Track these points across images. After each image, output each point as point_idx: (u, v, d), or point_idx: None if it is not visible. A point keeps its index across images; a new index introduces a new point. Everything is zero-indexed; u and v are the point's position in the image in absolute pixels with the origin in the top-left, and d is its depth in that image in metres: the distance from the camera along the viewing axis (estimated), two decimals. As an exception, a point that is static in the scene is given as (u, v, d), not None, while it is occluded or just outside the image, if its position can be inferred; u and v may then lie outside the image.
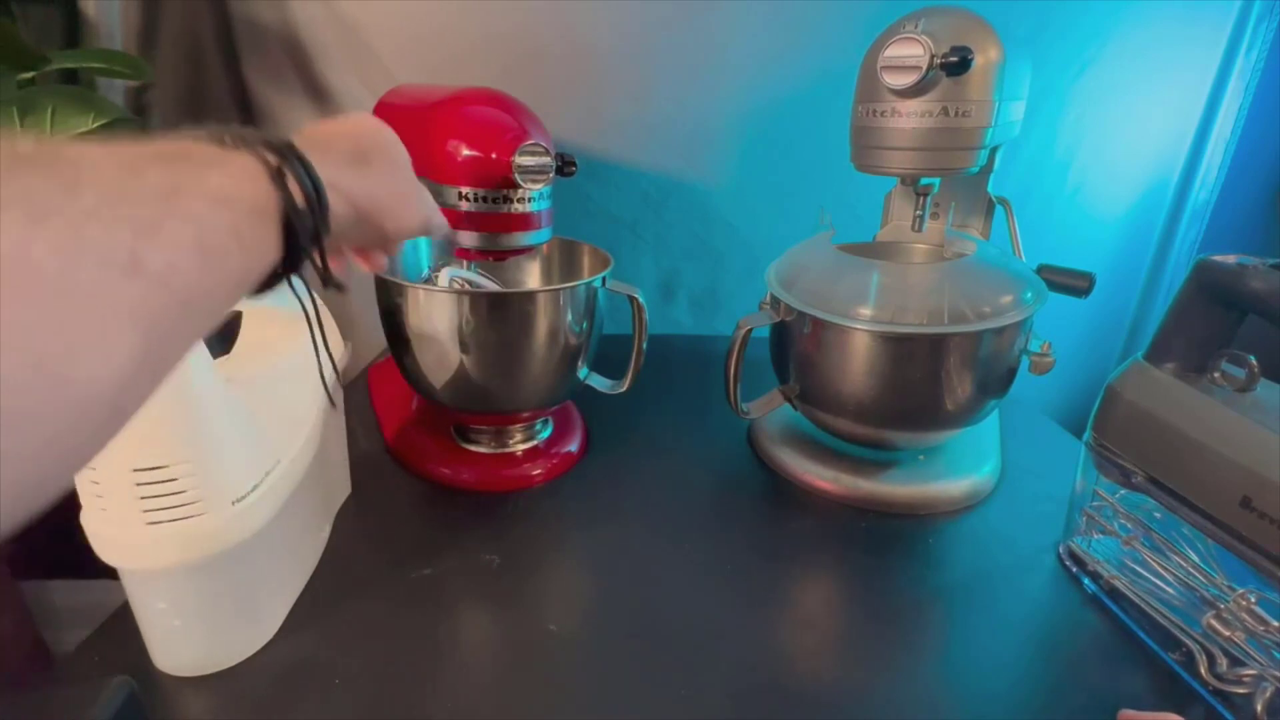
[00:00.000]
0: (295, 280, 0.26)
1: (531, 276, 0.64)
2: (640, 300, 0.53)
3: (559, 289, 0.51)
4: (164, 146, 0.20)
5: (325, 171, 0.25)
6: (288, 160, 0.23)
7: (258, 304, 0.26)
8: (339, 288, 0.30)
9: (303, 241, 0.24)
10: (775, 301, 0.54)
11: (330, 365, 0.38)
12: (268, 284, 0.25)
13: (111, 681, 0.31)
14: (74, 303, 0.16)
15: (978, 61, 0.44)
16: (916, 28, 0.45)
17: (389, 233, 0.32)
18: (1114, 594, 0.44)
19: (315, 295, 0.34)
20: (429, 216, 0.35)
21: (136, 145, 0.19)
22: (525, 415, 0.56)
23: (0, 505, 0.15)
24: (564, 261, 0.63)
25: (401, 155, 0.33)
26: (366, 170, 0.29)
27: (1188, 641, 0.39)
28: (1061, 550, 0.48)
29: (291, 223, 0.23)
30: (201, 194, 0.20)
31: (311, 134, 0.28)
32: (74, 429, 0.16)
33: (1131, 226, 0.89)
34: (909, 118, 0.47)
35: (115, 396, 0.17)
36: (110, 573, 0.34)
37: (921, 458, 0.56)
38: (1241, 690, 0.36)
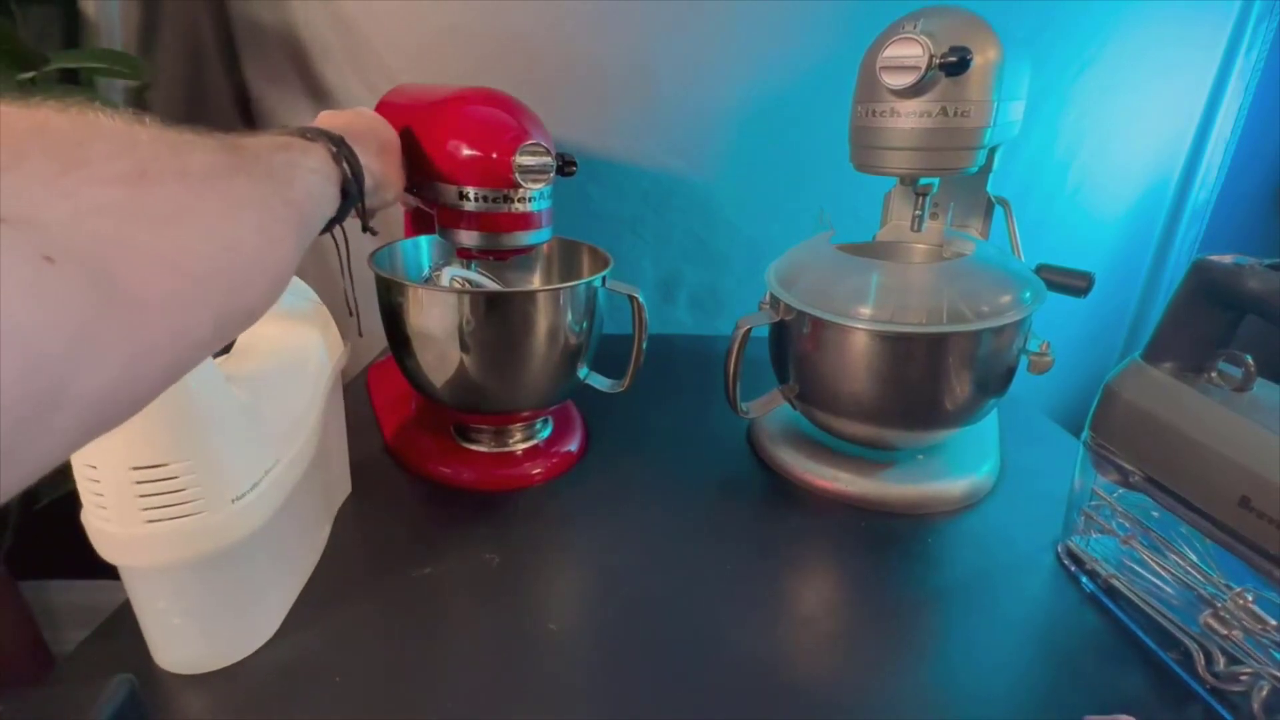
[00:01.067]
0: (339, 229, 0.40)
1: (532, 276, 0.64)
2: (640, 300, 0.53)
3: (559, 289, 0.51)
4: (280, 139, 0.32)
5: (362, 159, 0.38)
6: (343, 151, 0.37)
7: None
8: (373, 231, 0.44)
9: (352, 198, 0.37)
10: (775, 301, 0.54)
11: (352, 293, 0.49)
12: (328, 227, 0.37)
13: (112, 680, 0.32)
14: (268, 220, 0.26)
15: (977, 61, 0.44)
16: (916, 28, 0.45)
17: (387, 200, 0.45)
18: (1112, 593, 0.44)
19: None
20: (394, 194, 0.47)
21: (268, 137, 0.31)
22: (525, 415, 0.56)
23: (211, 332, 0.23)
24: (564, 261, 0.63)
25: (397, 145, 0.46)
26: (383, 158, 0.43)
27: (1185, 640, 0.39)
28: (1060, 549, 0.48)
29: (345, 188, 0.37)
30: (307, 167, 0.33)
31: (348, 128, 0.40)
32: (264, 297, 0.26)
33: (1131, 226, 0.89)
34: (908, 118, 0.47)
35: (286, 275, 0.27)
36: (110, 572, 0.34)
37: (920, 457, 0.56)
38: (1239, 689, 0.36)
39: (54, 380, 0.16)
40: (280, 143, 0.32)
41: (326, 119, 0.43)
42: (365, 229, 0.42)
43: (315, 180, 0.33)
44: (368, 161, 0.39)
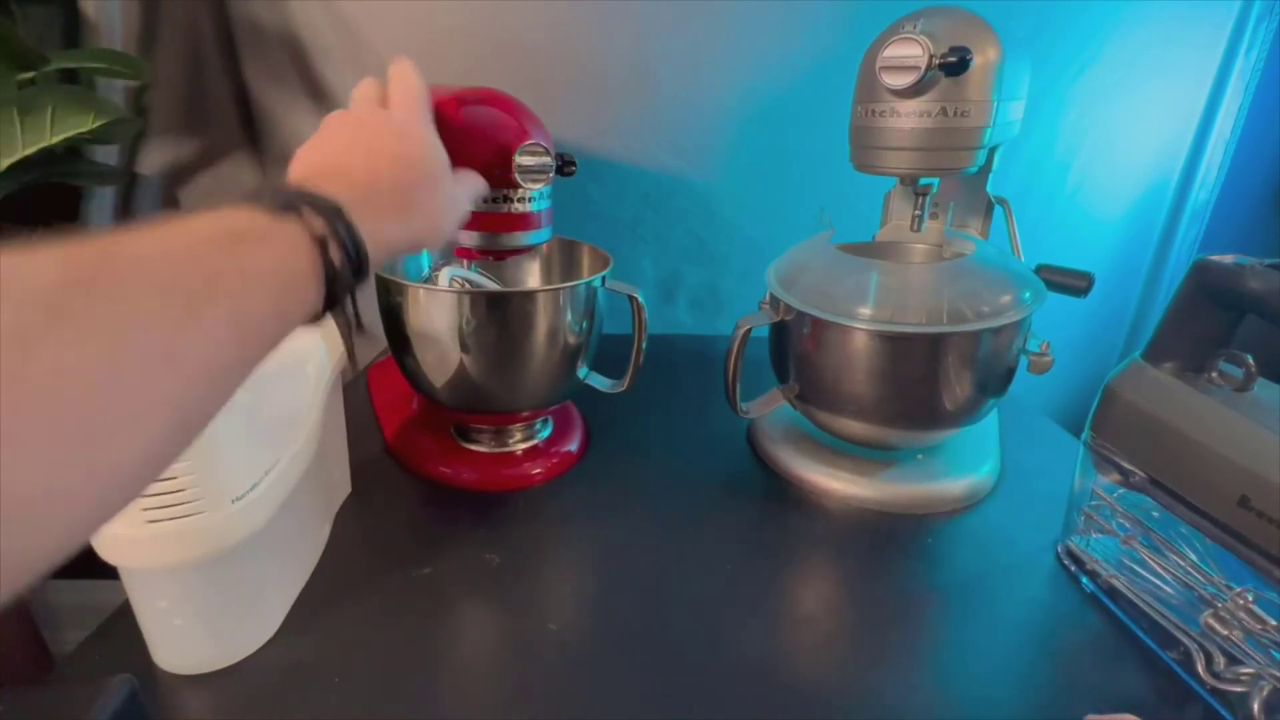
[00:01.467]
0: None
1: (531, 276, 0.64)
2: (640, 300, 0.53)
3: (559, 289, 0.51)
4: (217, 225, 0.22)
5: (370, 225, 0.27)
6: (334, 226, 0.25)
7: None
8: (363, 330, 0.31)
9: (339, 296, 0.26)
10: (775, 301, 0.54)
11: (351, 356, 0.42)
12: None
13: (112, 680, 0.32)
14: (108, 398, 0.17)
15: (977, 61, 0.44)
16: (915, 28, 0.45)
17: (432, 245, 0.34)
18: (1112, 593, 0.44)
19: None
20: (450, 234, 0.36)
21: (190, 227, 0.21)
22: (525, 415, 0.56)
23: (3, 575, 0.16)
24: (564, 261, 0.63)
25: (440, 174, 0.34)
26: (410, 214, 0.31)
27: (1186, 640, 0.39)
28: (1060, 549, 0.48)
29: (330, 279, 0.25)
30: (243, 274, 0.21)
31: (361, 175, 0.29)
32: (100, 502, 0.18)
33: (1131, 226, 0.89)
34: (908, 118, 0.47)
35: (141, 468, 0.19)
36: (111, 572, 0.34)
37: (920, 457, 0.56)
38: (1239, 689, 0.36)
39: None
40: (220, 231, 0.21)
41: (323, 155, 0.31)
42: (358, 327, 0.31)
43: (258, 293, 0.22)
44: (380, 229, 0.28)
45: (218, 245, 0.21)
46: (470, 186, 0.40)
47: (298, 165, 0.31)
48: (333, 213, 0.25)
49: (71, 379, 0.16)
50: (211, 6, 0.70)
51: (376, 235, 0.27)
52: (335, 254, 0.25)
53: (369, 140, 0.32)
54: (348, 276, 0.25)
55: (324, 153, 0.32)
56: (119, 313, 0.17)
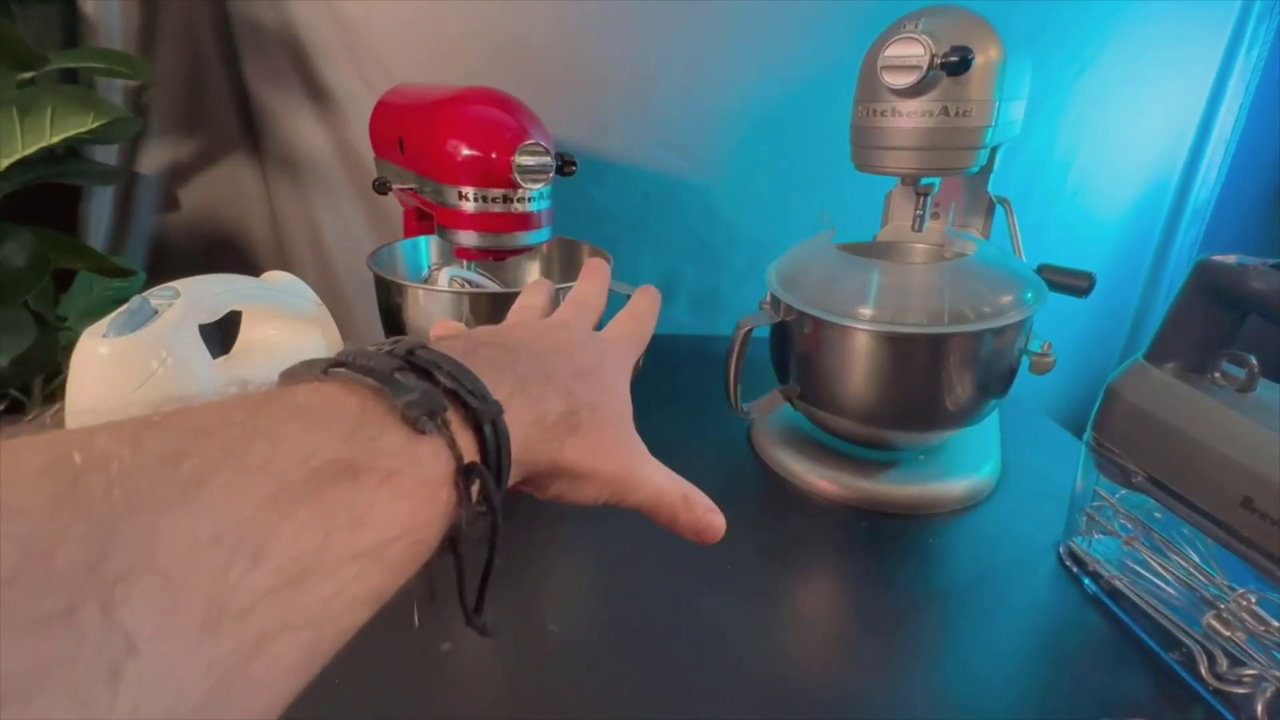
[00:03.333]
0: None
1: (531, 276, 0.64)
2: (640, 300, 0.53)
3: (559, 289, 0.51)
4: (329, 456, 0.14)
5: (533, 453, 0.21)
6: (476, 477, 0.17)
7: (255, 304, 0.26)
8: (484, 632, 0.21)
9: (464, 530, 0.17)
10: (775, 301, 0.54)
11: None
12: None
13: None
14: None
15: (978, 61, 0.44)
16: (917, 27, 0.45)
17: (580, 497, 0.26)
18: (1114, 594, 0.44)
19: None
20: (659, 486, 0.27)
21: (291, 459, 0.13)
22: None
23: None
24: (564, 261, 0.63)
25: (620, 415, 0.26)
26: (566, 438, 0.23)
27: (1188, 641, 0.39)
28: (1062, 550, 0.48)
29: (455, 536, 0.17)
30: (353, 552, 0.14)
31: (525, 372, 0.21)
32: None
33: (1132, 226, 0.89)
34: (909, 117, 0.47)
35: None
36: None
37: (921, 458, 0.56)
38: (1242, 690, 0.36)
39: None
40: (333, 467, 0.14)
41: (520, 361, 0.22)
42: (470, 621, 0.20)
43: (363, 580, 0.14)
44: (541, 457, 0.21)
45: (322, 494, 0.14)
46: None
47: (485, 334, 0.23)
48: (491, 420, 0.17)
49: None
50: (211, 6, 0.69)
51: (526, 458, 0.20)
52: (481, 484, 0.17)
53: (581, 353, 0.27)
54: (483, 517, 0.18)
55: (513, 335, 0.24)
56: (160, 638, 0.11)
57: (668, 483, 0.28)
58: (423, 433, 0.16)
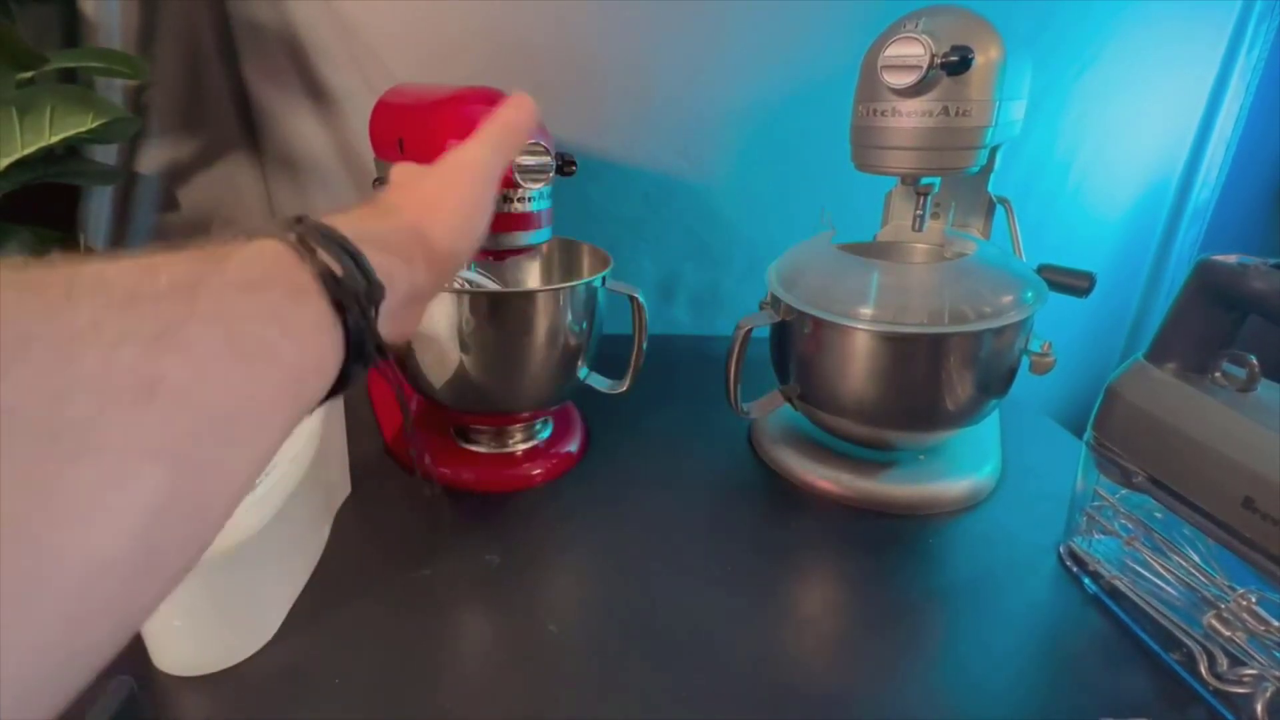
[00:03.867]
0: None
1: (531, 276, 0.64)
2: (640, 300, 0.53)
3: (559, 289, 0.51)
4: (181, 250, 0.17)
5: (401, 272, 0.23)
6: (307, 228, 0.20)
7: None
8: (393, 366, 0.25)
9: (355, 314, 0.20)
10: (775, 301, 0.54)
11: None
12: (341, 382, 0.21)
13: (111, 682, 0.31)
14: (64, 449, 0.13)
15: (978, 61, 0.44)
16: (917, 27, 0.45)
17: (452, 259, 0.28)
18: (1114, 594, 0.44)
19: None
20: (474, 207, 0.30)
21: (151, 254, 0.17)
22: (525, 415, 0.56)
23: (3, 701, 0.12)
24: (564, 261, 0.63)
25: (452, 238, 0.28)
26: (384, 215, 0.26)
27: (1188, 641, 0.39)
28: (1062, 550, 0.48)
29: (338, 298, 0.20)
30: (223, 283, 0.17)
31: (387, 230, 0.25)
32: (83, 601, 0.13)
33: (1132, 226, 0.89)
34: (909, 117, 0.47)
35: (135, 552, 0.14)
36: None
37: (921, 458, 0.56)
38: (1242, 690, 0.36)
39: None
40: (186, 253, 0.17)
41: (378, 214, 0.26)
42: (382, 354, 0.23)
43: (246, 305, 0.17)
44: (404, 271, 0.24)
45: (183, 260, 0.17)
46: (475, 149, 0.31)
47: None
48: (298, 219, 0.21)
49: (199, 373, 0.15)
50: (211, 6, 0.69)
51: (402, 278, 0.24)
52: (327, 257, 0.20)
53: (408, 190, 0.29)
54: (354, 278, 0.21)
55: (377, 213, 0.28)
56: (64, 325, 0.14)
57: (479, 152, 0.31)
58: (249, 236, 0.19)
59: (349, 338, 0.20)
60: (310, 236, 0.20)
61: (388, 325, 0.23)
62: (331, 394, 0.21)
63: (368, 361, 0.21)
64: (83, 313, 0.14)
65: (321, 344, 0.20)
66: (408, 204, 0.27)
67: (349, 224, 0.22)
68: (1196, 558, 0.39)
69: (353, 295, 0.20)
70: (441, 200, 0.28)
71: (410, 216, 0.27)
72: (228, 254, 0.18)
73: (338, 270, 0.20)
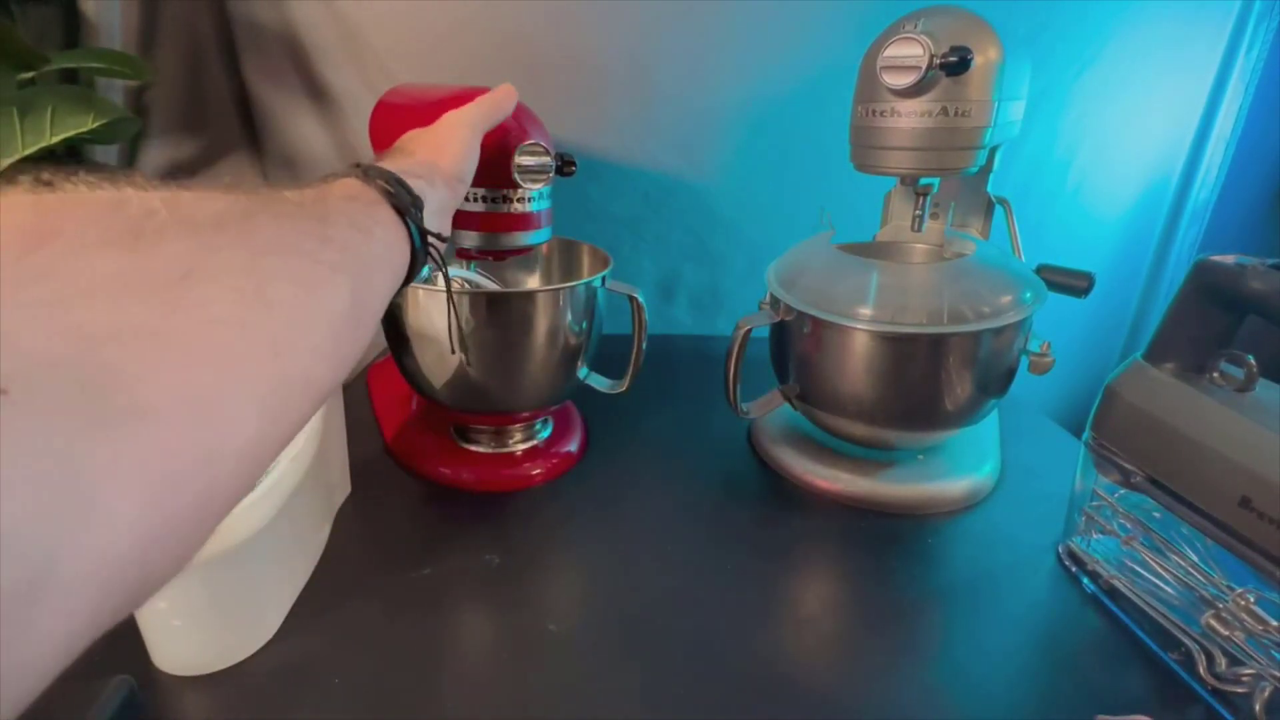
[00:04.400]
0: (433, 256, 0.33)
1: (531, 276, 0.64)
2: (640, 300, 0.53)
3: (559, 289, 0.51)
4: (306, 189, 0.26)
5: (428, 197, 0.32)
6: (366, 168, 0.30)
7: None
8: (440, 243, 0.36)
9: (412, 215, 0.30)
10: (775, 301, 0.54)
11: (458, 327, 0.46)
12: (413, 267, 0.31)
13: (111, 681, 0.32)
14: (304, 264, 0.21)
15: (977, 61, 0.44)
16: (916, 28, 0.45)
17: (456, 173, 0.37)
18: (1113, 593, 0.44)
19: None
20: (466, 144, 0.39)
21: (294, 192, 0.25)
22: (525, 415, 0.56)
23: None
24: (564, 261, 0.63)
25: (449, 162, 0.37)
26: (405, 156, 0.35)
27: (1187, 641, 0.39)
28: (1061, 550, 0.48)
29: (397, 206, 0.29)
30: (336, 198, 0.27)
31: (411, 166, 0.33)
32: (320, 359, 0.21)
33: (1131, 226, 0.89)
34: (908, 118, 0.47)
35: (342, 330, 0.22)
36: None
37: (921, 457, 0.56)
38: (1240, 689, 0.36)
39: (28, 567, 0.11)
40: (311, 190, 0.26)
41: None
42: (424, 242, 0.33)
43: (352, 206, 0.27)
44: (430, 190, 0.33)
45: (315, 195, 0.26)
46: (460, 112, 0.40)
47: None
48: (394, 180, 0.30)
49: (283, 236, 0.21)
50: (211, 6, 0.69)
51: (401, 168, 0.32)
52: (379, 183, 0.30)
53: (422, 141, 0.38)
54: (400, 191, 0.30)
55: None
56: (274, 239, 0.20)
57: (470, 112, 0.41)
58: (330, 179, 0.29)
59: (410, 231, 0.30)
60: (370, 172, 0.30)
61: (430, 226, 0.32)
62: (409, 276, 0.31)
63: (425, 248, 0.31)
64: (287, 235, 0.22)
65: (398, 234, 0.29)
66: (420, 148, 0.37)
67: (387, 164, 0.32)
68: (1195, 557, 0.39)
69: (406, 204, 0.30)
70: (445, 143, 0.37)
71: (424, 155, 0.36)
72: (329, 184, 0.28)
73: (392, 190, 0.30)
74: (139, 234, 0.16)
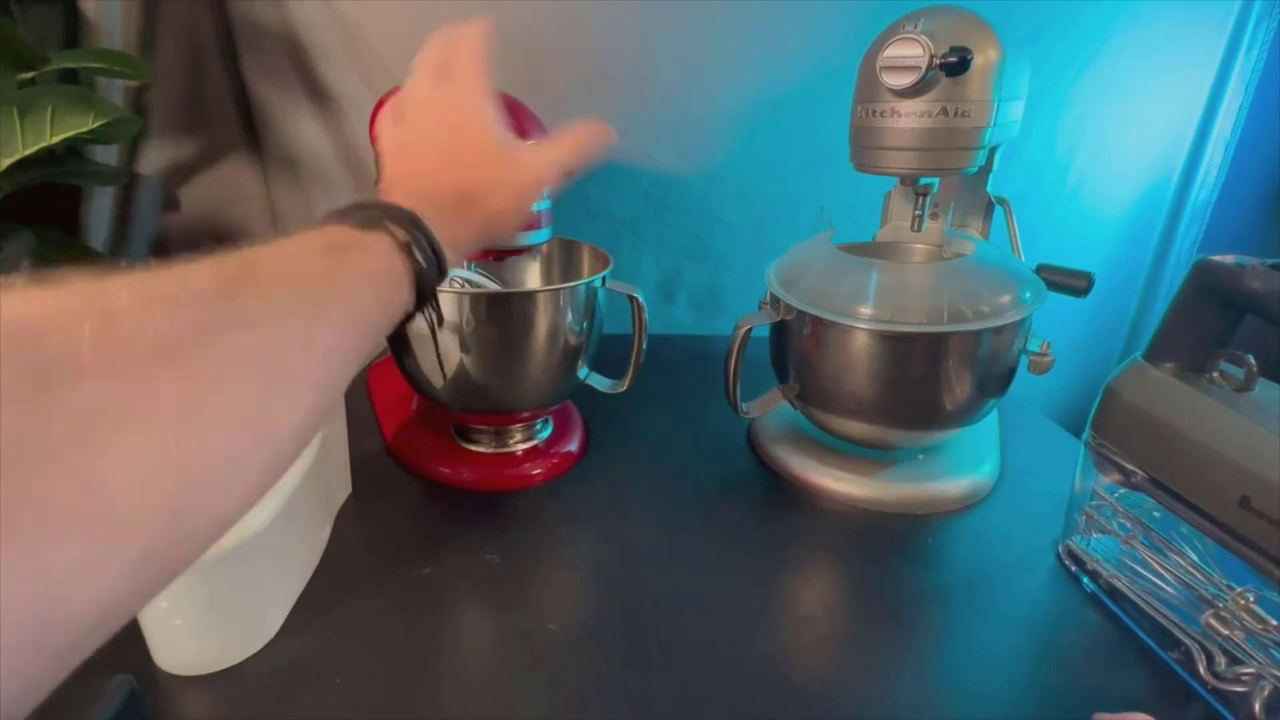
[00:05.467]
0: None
1: (531, 276, 0.64)
2: (640, 300, 0.53)
3: (559, 289, 0.51)
4: (323, 239, 0.25)
5: (439, 230, 0.29)
6: (413, 234, 0.28)
7: None
8: (442, 324, 0.39)
9: (429, 291, 0.29)
10: (775, 301, 0.54)
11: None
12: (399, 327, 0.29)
13: (111, 681, 0.32)
14: (272, 375, 0.20)
15: (977, 61, 0.44)
16: (916, 28, 0.45)
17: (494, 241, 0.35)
18: (1113, 593, 0.44)
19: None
20: (525, 204, 0.35)
21: (303, 240, 0.24)
22: (525, 415, 0.56)
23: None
24: (564, 261, 0.63)
25: (498, 164, 0.33)
26: (468, 215, 0.32)
27: (1186, 640, 0.39)
28: (1060, 549, 0.48)
29: (420, 281, 0.28)
30: (354, 276, 0.25)
31: (425, 183, 0.31)
32: (265, 469, 0.21)
33: (1131, 226, 0.89)
34: (908, 118, 0.47)
35: (295, 441, 0.21)
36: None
37: (920, 457, 0.56)
38: (1240, 689, 0.36)
39: None
40: (326, 242, 0.25)
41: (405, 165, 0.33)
42: (441, 321, 0.35)
43: (365, 290, 0.25)
44: (447, 232, 0.30)
45: (328, 254, 0.24)
46: (547, 159, 0.35)
47: (384, 169, 0.33)
48: (410, 222, 0.28)
49: (245, 359, 0.19)
50: (211, 6, 0.69)
51: (447, 238, 0.29)
52: (419, 256, 0.28)
53: (428, 141, 0.33)
54: (432, 275, 0.28)
55: (394, 160, 0.33)
56: (268, 308, 0.20)
57: (551, 154, 0.36)
58: (372, 229, 0.27)
59: (418, 300, 0.29)
60: (414, 240, 0.28)
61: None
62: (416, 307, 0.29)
63: (422, 310, 0.30)
64: (278, 299, 0.21)
65: (399, 308, 0.28)
66: (485, 198, 0.33)
67: (443, 218, 0.30)
68: (1195, 557, 0.39)
69: (431, 283, 0.29)
70: (516, 208, 0.35)
71: (485, 215, 0.33)
72: (358, 249, 0.26)
73: (424, 264, 0.28)
74: (46, 376, 0.14)
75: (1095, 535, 0.46)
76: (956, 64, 0.44)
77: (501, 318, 0.49)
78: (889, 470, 0.54)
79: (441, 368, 0.50)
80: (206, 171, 0.77)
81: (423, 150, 0.33)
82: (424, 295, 0.29)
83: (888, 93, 0.47)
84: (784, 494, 0.55)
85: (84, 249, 0.64)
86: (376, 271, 0.26)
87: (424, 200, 0.29)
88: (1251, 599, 0.36)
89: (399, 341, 0.51)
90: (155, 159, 0.73)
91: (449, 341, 0.49)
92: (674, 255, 0.86)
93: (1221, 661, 0.37)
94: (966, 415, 0.52)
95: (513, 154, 0.34)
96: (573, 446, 0.59)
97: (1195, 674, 0.38)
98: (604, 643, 0.41)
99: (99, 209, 0.69)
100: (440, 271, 0.29)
